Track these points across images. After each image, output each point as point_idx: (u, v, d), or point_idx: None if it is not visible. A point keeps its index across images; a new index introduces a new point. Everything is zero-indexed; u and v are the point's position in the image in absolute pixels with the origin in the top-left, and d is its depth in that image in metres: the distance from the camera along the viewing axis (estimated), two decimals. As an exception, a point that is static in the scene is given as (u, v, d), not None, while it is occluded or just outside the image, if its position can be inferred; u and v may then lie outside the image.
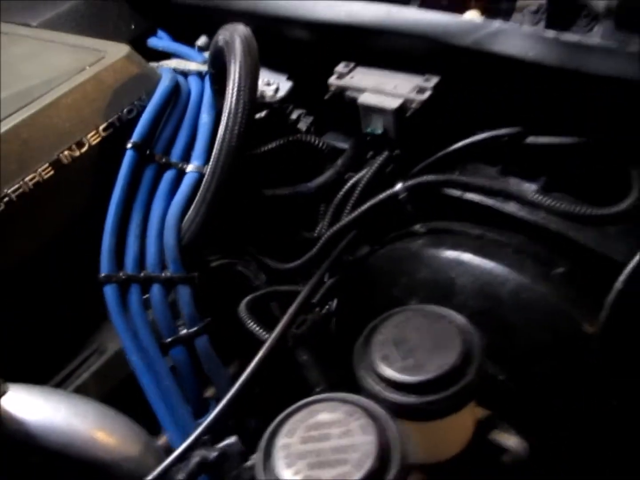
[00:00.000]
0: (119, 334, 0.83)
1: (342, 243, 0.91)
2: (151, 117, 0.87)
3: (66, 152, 0.82)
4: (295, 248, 1.01)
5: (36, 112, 0.81)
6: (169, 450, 0.76)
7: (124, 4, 1.13)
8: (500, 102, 0.84)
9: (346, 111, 0.92)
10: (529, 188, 0.84)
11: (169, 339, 0.86)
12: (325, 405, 0.57)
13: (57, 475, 0.69)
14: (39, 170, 0.79)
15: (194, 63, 1.01)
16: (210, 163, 0.84)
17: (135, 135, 0.86)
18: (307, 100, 1.02)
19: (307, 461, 0.51)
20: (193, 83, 0.97)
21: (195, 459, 0.69)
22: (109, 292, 0.83)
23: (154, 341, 0.84)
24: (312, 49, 0.98)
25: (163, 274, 0.86)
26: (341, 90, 0.91)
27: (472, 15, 0.89)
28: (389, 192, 0.88)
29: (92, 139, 0.84)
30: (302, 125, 1.02)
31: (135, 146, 0.85)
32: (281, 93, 0.99)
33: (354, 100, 0.89)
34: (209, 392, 0.92)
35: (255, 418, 0.89)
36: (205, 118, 0.92)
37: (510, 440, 0.71)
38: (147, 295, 0.86)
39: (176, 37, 1.15)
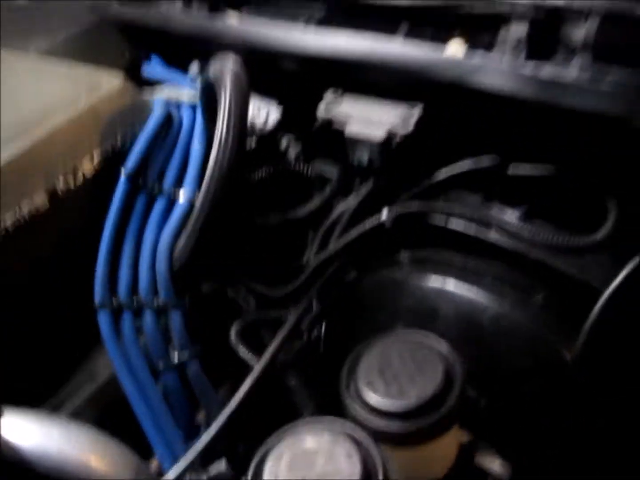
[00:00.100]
0: (112, 360, 0.84)
1: (329, 270, 0.94)
2: (144, 146, 0.88)
3: (61, 181, 0.83)
4: (284, 274, 1.02)
5: (32, 143, 0.82)
6: (160, 474, 0.77)
7: (119, 32, 1.15)
8: (483, 133, 0.87)
9: (334, 140, 0.93)
10: (511, 217, 0.87)
11: (161, 364, 0.87)
12: (311, 430, 0.59)
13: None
14: (35, 199, 0.81)
15: (186, 91, 1.03)
16: (201, 193, 0.85)
17: (128, 165, 0.87)
18: (296, 128, 1.03)
19: (294, 488, 0.53)
20: (185, 112, 0.98)
21: (187, 483, 0.71)
22: (103, 319, 0.84)
23: (146, 366, 0.86)
24: (301, 79, 1.00)
25: (155, 301, 0.87)
26: (329, 120, 0.92)
27: (456, 45, 0.91)
28: (375, 220, 0.90)
29: (87, 168, 0.86)
30: (291, 154, 1.03)
31: (128, 175, 0.87)
32: (270, 122, 1.01)
33: (341, 131, 0.91)
34: (200, 416, 0.94)
35: (244, 441, 0.91)
36: (196, 147, 0.93)
37: (493, 464, 0.73)
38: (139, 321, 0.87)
39: (169, 63, 1.17)
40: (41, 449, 0.68)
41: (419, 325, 0.79)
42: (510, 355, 0.78)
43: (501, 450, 0.74)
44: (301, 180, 1.02)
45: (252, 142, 1.00)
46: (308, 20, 1.02)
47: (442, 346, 0.68)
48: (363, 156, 0.90)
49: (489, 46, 0.88)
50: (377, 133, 0.87)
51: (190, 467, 0.74)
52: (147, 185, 0.89)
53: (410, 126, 0.86)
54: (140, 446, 0.80)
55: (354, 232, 0.91)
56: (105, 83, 0.92)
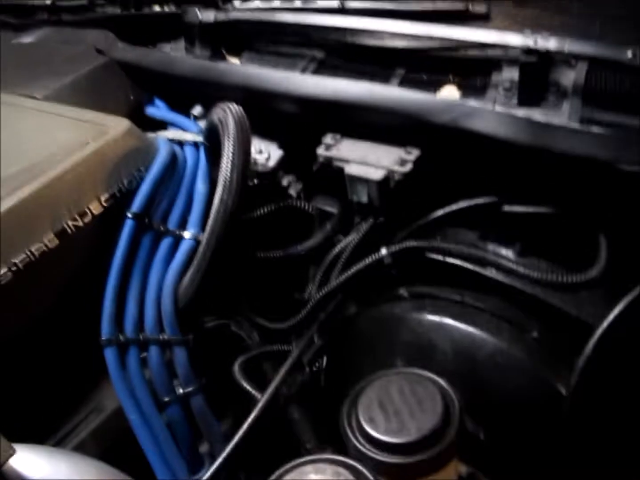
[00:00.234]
0: (118, 394, 0.86)
1: (330, 305, 0.96)
2: (150, 188, 0.91)
3: (70, 222, 0.85)
4: (286, 308, 1.04)
5: (42, 186, 0.84)
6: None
7: (123, 76, 1.18)
8: (477, 173, 0.89)
9: (333, 179, 0.96)
10: (506, 254, 0.89)
11: (166, 398, 0.89)
12: (314, 466, 0.61)
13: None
14: (45, 239, 0.82)
15: (190, 133, 1.06)
16: (205, 234, 0.88)
17: (135, 205, 0.89)
18: (297, 167, 1.06)
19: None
20: (189, 153, 1.01)
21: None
22: (109, 354, 0.86)
23: (151, 400, 0.88)
24: (302, 121, 1.02)
25: (160, 337, 0.89)
26: (328, 161, 0.95)
27: (449, 91, 0.94)
28: (374, 257, 0.93)
29: (94, 209, 0.87)
30: (293, 191, 1.06)
31: (134, 215, 0.89)
32: (272, 161, 1.03)
33: (340, 170, 0.93)
34: (203, 448, 0.96)
35: (248, 473, 0.93)
36: (200, 187, 0.97)
37: (491, 495, 0.75)
38: (144, 354, 0.89)
39: (171, 105, 1.21)
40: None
41: (417, 359, 0.82)
42: (507, 389, 0.80)
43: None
44: (303, 216, 1.05)
45: (254, 181, 1.02)
46: (308, 64, 1.05)
47: (440, 383, 0.70)
48: (362, 195, 0.92)
49: (481, 90, 0.91)
50: (376, 173, 0.89)
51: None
52: (152, 224, 0.91)
53: (408, 167, 0.88)
54: (145, 477, 0.83)
55: (354, 268, 0.93)
56: (111, 127, 0.94)
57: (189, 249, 0.92)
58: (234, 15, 1.11)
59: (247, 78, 1.02)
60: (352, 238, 0.97)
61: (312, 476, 0.59)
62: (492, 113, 0.81)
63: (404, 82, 0.97)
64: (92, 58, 1.19)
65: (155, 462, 0.86)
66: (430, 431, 0.65)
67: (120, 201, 0.90)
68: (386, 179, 0.89)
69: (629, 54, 0.76)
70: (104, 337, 0.86)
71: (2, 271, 0.79)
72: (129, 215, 0.89)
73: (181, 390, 0.91)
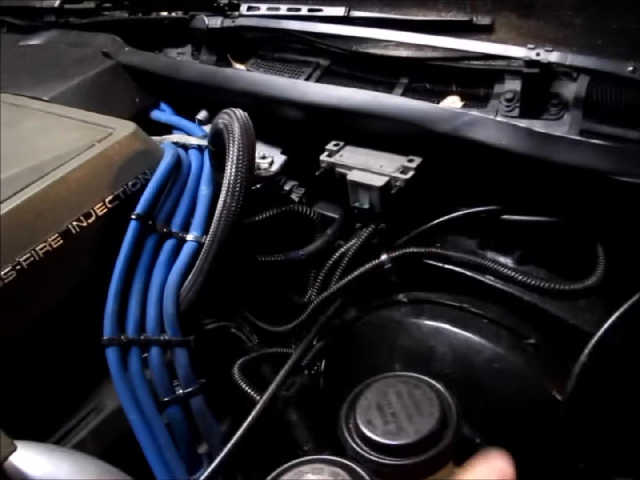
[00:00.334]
0: (118, 394, 0.87)
1: (330, 309, 0.97)
2: (154, 190, 0.92)
3: (75, 223, 0.86)
4: (286, 311, 1.05)
5: (48, 186, 0.85)
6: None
7: (130, 79, 1.20)
8: (478, 182, 0.90)
9: (336, 185, 0.97)
10: (505, 262, 0.90)
11: (166, 398, 0.90)
12: (312, 466, 0.61)
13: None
14: (49, 239, 0.83)
15: (195, 137, 1.07)
16: (208, 236, 0.89)
17: (139, 207, 0.90)
18: (300, 173, 1.07)
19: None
20: (193, 156, 1.02)
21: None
22: (111, 354, 0.87)
23: (152, 400, 0.89)
24: (306, 128, 1.04)
25: (162, 337, 0.90)
26: (331, 167, 0.96)
27: (452, 100, 0.95)
28: (374, 262, 0.93)
29: (99, 210, 0.88)
30: (295, 196, 1.07)
31: (138, 217, 0.90)
32: (275, 166, 1.04)
33: (343, 177, 0.94)
34: (202, 449, 0.97)
35: (246, 474, 0.94)
36: (204, 190, 0.98)
37: (486, 500, 0.75)
38: (145, 355, 0.90)
39: (176, 109, 1.22)
40: (51, 480, 0.71)
41: (415, 364, 0.83)
42: (504, 395, 0.81)
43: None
44: (304, 221, 1.05)
45: (257, 185, 1.04)
46: (312, 72, 1.06)
47: (438, 387, 0.71)
48: (364, 201, 0.94)
49: (484, 100, 0.92)
50: (378, 180, 0.90)
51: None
52: (156, 226, 0.93)
53: (409, 174, 0.89)
54: (144, 477, 0.83)
55: (354, 273, 0.94)
56: (117, 129, 0.95)
57: (192, 251, 0.93)
58: (240, 21, 1.12)
59: (253, 84, 1.04)
60: (353, 243, 0.98)
61: (310, 476, 0.60)
62: (494, 123, 0.82)
63: (408, 91, 0.98)
64: (99, 61, 1.21)
65: (154, 462, 0.87)
66: (428, 434, 0.66)
67: (124, 203, 0.91)
68: (388, 186, 0.90)
69: (630, 68, 0.77)
70: (105, 337, 0.87)
71: (6, 270, 0.80)
72: (133, 216, 0.90)
73: (181, 391, 0.91)
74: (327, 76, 1.07)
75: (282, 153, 1.07)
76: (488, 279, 0.88)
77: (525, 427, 0.80)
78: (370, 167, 0.92)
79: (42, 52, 1.35)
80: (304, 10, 1.06)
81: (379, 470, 0.64)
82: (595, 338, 0.75)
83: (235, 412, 0.99)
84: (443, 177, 0.93)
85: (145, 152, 0.95)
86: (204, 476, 0.84)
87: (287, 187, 1.07)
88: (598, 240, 0.84)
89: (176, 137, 1.06)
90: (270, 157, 1.05)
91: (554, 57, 0.82)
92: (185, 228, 0.95)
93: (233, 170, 0.85)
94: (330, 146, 0.98)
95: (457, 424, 0.68)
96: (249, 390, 0.91)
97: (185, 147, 1.04)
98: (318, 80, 1.06)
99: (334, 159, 0.96)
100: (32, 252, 0.82)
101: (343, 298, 0.98)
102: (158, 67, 1.17)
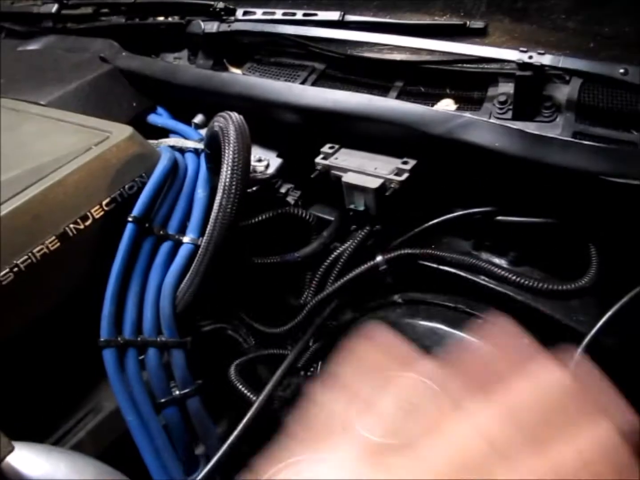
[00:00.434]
0: (115, 395, 0.88)
1: (326, 310, 0.97)
2: (150, 193, 0.92)
3: (72, 226, 0.86)
4: (283, 313, 1.06)
5: (45, 189, 0.86)
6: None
7: (127, 84, 1.20)
8: (472, 184, 0.91)
9: (331, 187, 0.97)
10: (500, 262, 0.91)
11: (163, 400, 0.91)
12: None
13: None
14: (47, 242, 0.84)
15: (191, 140, 1.08)
16: (204, 238, 0.89)
17: (136, 210, 0.91)
18: (296, 176, 1.08)
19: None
20: (189, 160, 1.03)
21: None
22: (108, 356, 0.87)
23: (149, 401, 0.89)
24: (301, 131, 1.05)
25: (158, 339, 0.91)
26: (326, 170, 0.97)
27: (446, 103, 0.96)
28: (370, 263, 0.94)
29: (96, 213, 0.89)
30: (291, 199, 1.07)
31: (135, 220, 0.90)
32: (271, 169, 1.05)
33: (338, 179, 0.95)
34: (199, 450, 0.97)
35: (241, 475, 0.94)
36: (200, 193, 0.98)
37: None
38: (142, 357, 0.91)
39: (174, 114, 1.22)
40: (49, 480, 0.71)
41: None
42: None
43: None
44: (300, 223, 1.06)
45: (253, 188, 1.04)
46: (308, 75, 1.07)
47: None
48: (359, 203, 0.94)
49: (477, 103, 0.93)
50: (373, 182, 0.91)
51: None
52: (153, 229, 0.93)
53: (404, 176, 0.90)
54: (141, 477, 0.84)
55: (350, 275, 0.95)
56: (114, 133, 0.95)
57: (188, 254, 0.94)
58: (236, 26, 1.13)
59: (249, 88, 1.04)
60: (348, 245, 0.99)
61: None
62: (487, 125, 0.83)
63: (402, 94, 0.99)
64: (96, 66, 1.21)
65: (151, 463, 0.87)
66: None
67: (121, 206, 0.92)
68: (382, 188, 0.91)
69: (621, 70, 0.78)
70: (102, 339, 0.88)
71: (4, 272, 0.80)
72: (130, 219, 0.90)
73: (178, 392, 0.92)
74: (323, 80, 1.09)
75: (278, 156, 1.07)
76: (482, 280, 0.89)
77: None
78: (365, 170, 0.93)
79: (40, 57, 1.36)
80: (299, 15, 1.07)
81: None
82: (588, 338, 0.75)
83: (232, 413, 0.99)
84: (437, 179, 0.93)
85: (142, 156, 0.96)
86: (200, 476, 0.85)
87: (283, 190, 1.08)
88: (591, 241, 0.85)
89: (173, 140, 1.07)
90: (266, 160, 1.06)
91: (546, 60, 0.83)
92: (182, 230, 0.96)
93: (229, 172, 0.86)
94: (326, 149, 0.99)
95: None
96: (246, 391, 0.92)
97: (182, 150, 1.05)
98: (314, 84, 1.07)
99: (329, 162, 0.96)
100: (30, 254, 0.83)
101: (339, 299, 0.98)
102: (155, 72, 1.17)
